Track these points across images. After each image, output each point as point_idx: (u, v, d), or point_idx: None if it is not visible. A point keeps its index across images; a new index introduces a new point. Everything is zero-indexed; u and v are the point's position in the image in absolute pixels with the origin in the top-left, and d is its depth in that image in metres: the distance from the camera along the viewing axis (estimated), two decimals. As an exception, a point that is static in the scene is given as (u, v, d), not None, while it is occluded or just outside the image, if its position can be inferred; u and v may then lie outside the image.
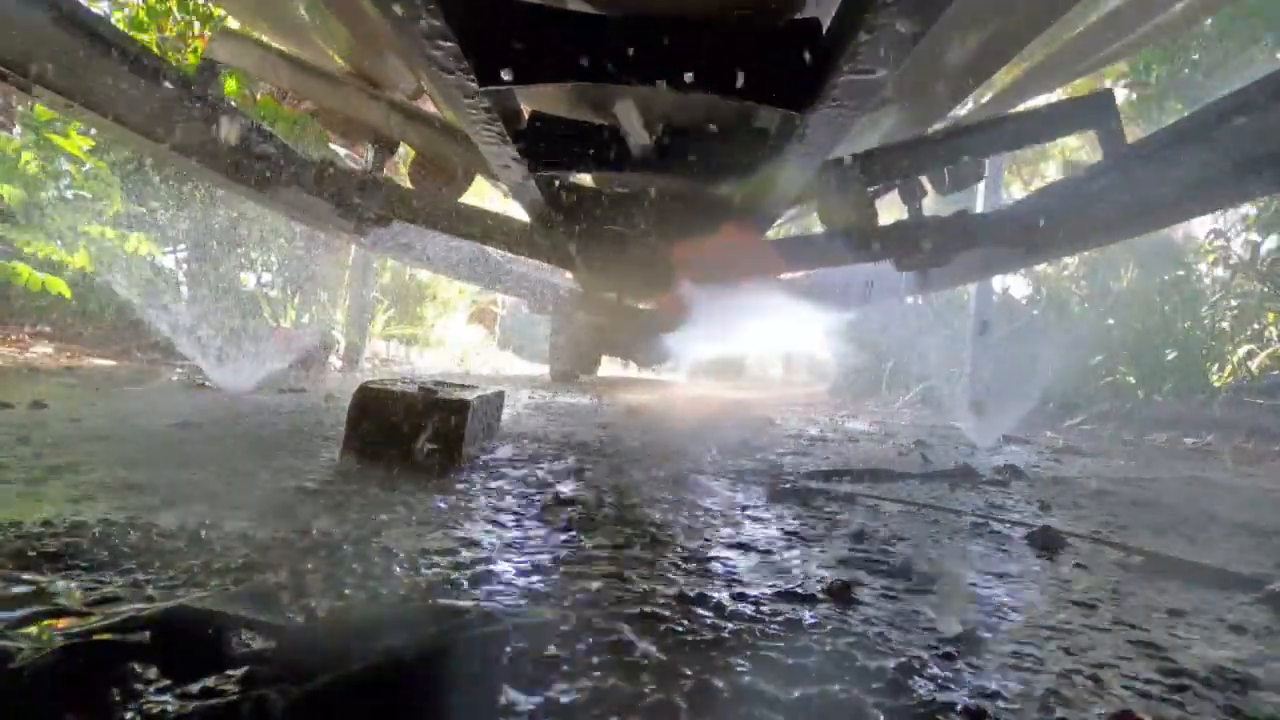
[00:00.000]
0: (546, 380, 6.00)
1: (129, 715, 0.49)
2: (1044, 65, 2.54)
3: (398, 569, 0.87)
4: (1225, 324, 4.70)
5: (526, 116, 1.82)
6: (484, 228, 2.51)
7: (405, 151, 2.79)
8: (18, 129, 3.62)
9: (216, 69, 2.18)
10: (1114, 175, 1.95)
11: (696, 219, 2.43)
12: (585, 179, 2.66)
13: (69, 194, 3.89)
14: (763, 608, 0.84)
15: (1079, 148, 7.29)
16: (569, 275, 5.20)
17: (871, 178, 2.30)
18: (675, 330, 4.37)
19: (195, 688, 0.52)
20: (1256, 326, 4.57)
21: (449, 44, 1.16)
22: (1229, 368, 4.47)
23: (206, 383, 3.33)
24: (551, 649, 0.68)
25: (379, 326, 6.68)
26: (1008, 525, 1.40)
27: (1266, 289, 4.49)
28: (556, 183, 2.36)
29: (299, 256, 5.16)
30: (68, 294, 3.75)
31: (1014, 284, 6.53)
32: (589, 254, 2.54)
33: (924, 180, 2.51)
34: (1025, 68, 2.57)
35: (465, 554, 0.96)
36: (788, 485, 1.58)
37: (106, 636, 0.55)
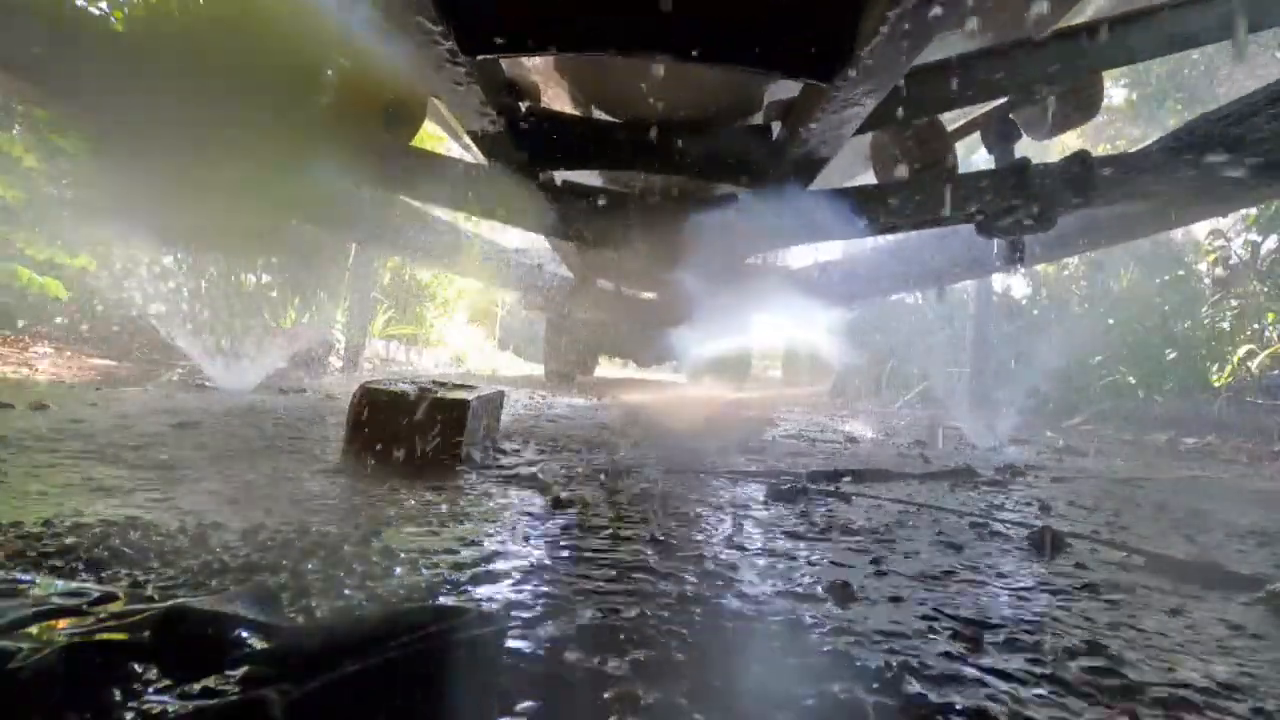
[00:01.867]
0: (546, 381, 5.99)
1: (129, 715, 0.49)
2: None
3: (398, 569, 0.87)
4: (1225, 324, 4.70)
5: None
6: (427, 178, 1.85)
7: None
8: (17, 128, 3.61)
9: None
10: None
11: (718, 160, 1.81)
12: (562, 100, 2.03)
13: (69, 194, 3.88)
14: (763, 606, 0.84)
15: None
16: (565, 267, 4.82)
17: (947, 100, 1.67)
18: (678, 325, 4.04)
19: (195, 688, 0.52)
20: (1256, 326, 4.57)
21: None
22: (1229, 368, 4.47)
23: (206, 383, 3.33)
24: (551, 649, 0.68)
25: (379, 326, 6.67)
26: (1008, 526, 1.40)
27: (1266, 289, 4.49)
28: (524, 106, 1.79)
29: (299, 256, 5.16)
30: (64, 295, 3.75)
31: (1014, 284, 6.54)
32: (566, 212, 1.91)
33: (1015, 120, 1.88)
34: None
35: (465, 554, 0.96)
36: (788, 485, 1.58)
37: (106, 636, 0.55)
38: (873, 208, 1.86)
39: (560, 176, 2.07)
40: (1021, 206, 1.72)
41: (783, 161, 1.75)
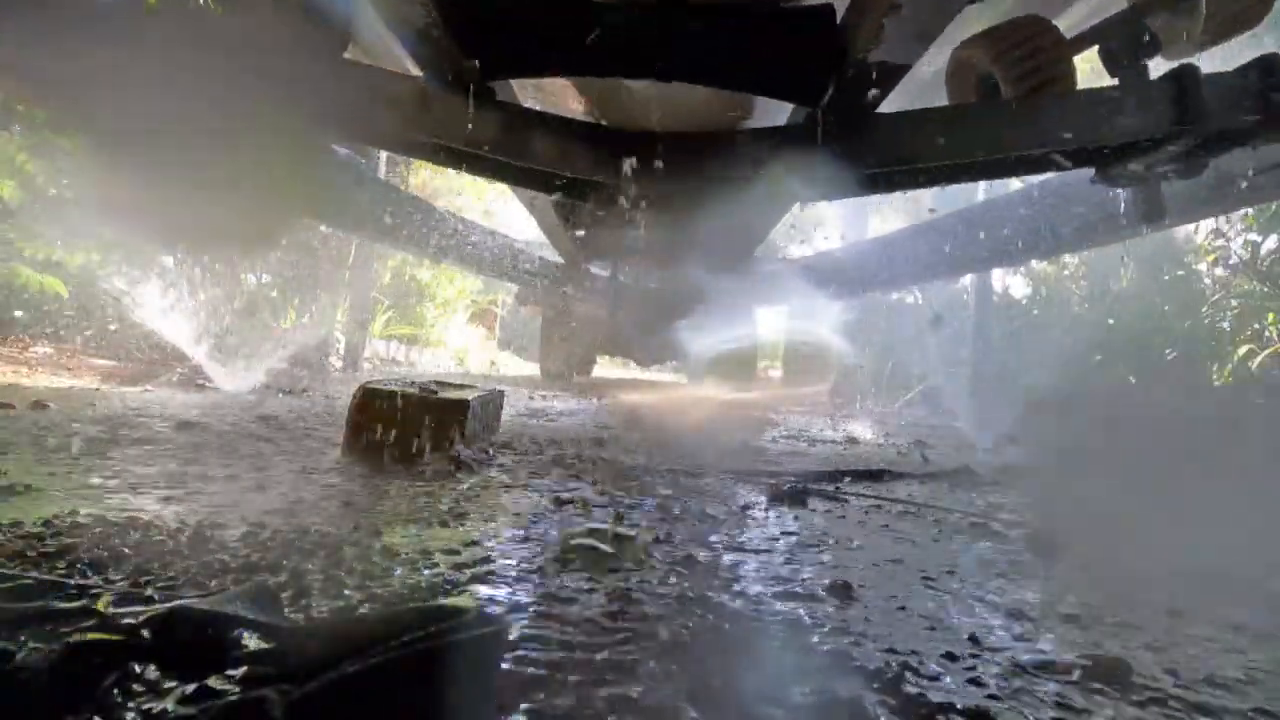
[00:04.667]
0: (543, 381, 5.97)
1: (129, 715, 0.49)
2: None
3: (398, 569, 0.87)
4: (1225, 324, 4.70)
5: None
6: (346, 102, 1.30)
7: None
8: (17, 128, 3.61)
9: None
10: None
11: (749, 61, 1.32)
12: None
13: (69, 193, 3.88)
14: (763, 607, 0.84)
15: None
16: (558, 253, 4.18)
17: None
18: (681, 319, 3.74)
19: (195, 688, 0.52)
20: (1256, 326, 4.57)
21: None
22: (1229, 367, 4.47)
23: (206, 383, 3.33)
24: (552, 649, 0.68)
25: (379, 326, 6.67)
26: (1007, 526, 1.40)
27: (1266, 289, 4.49)
28: None
29: (299, 256, 5.16)
30: (65, 293, 3.75)
31: (1014, 284, 6.54)
32: (530, 147, 1.38)
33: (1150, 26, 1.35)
34: None
35: (465, 554, 0.96)
36: (788, 486, 1.58)
37: (106, 636, 0.55)
38: (968, 138, 1.33)
39: (527, 102, 1.59)
40: (1179, 136, 1.23)
41: (845, 67, 1.24)
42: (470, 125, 1.34)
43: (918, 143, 1.39)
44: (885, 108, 1.42)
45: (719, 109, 1.76)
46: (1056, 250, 2.74)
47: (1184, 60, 1.32)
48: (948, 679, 0.67)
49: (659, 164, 1.42)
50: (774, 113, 1.72)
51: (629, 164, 1.42)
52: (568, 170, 1.45)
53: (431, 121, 1.34)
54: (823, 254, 3.97)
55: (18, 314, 4.13)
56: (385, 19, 1.30)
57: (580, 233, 3.29)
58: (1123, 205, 1.62)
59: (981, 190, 5.07)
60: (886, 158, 1.40)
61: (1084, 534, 1.33)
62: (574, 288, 4.08)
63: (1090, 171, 1.51)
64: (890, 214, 9.56)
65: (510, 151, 1.39)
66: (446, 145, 1.40)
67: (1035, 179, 2.27)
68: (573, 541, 1.01)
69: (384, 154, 4.50)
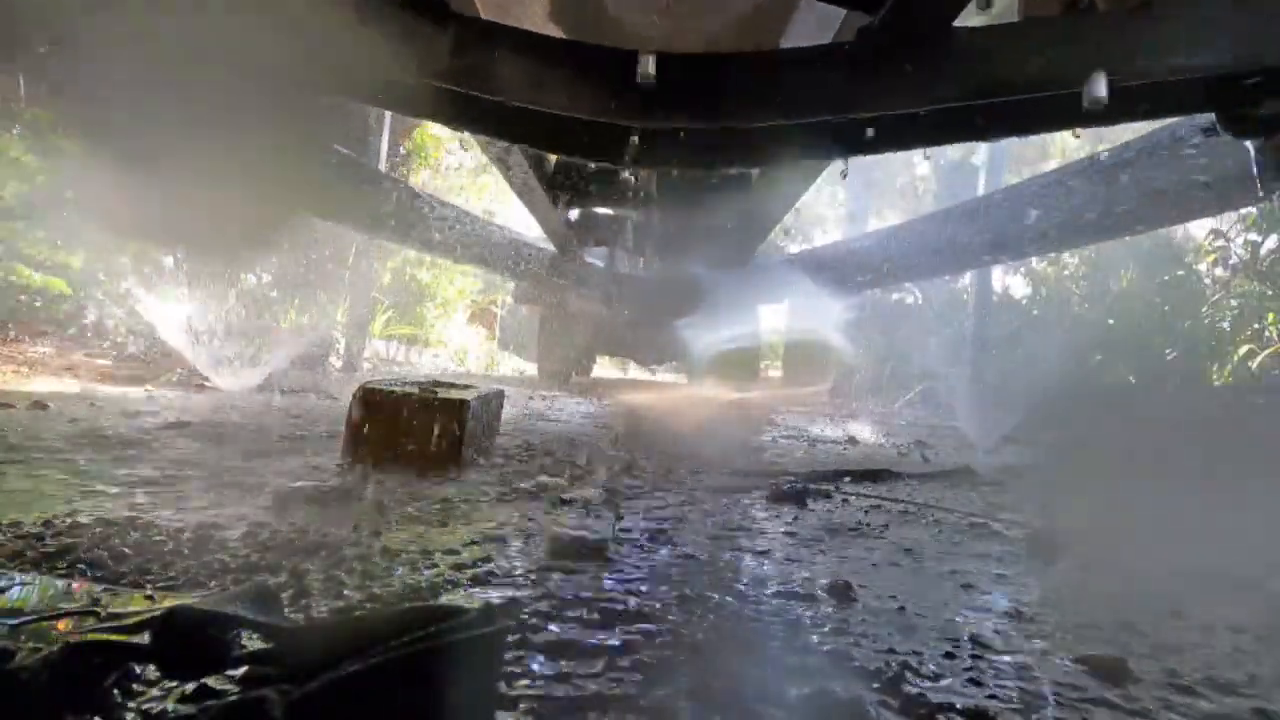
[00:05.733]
0: (541, 382, 5.96)
1: (129, 715, 0.49)
2: None
3: (398, 569, 0.87)
4: (1225, 324, 4.70)
5: None
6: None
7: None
8: (17, 128, 3.61)
9: None
10: None
11: None
12: None
13: (69, 193, 3.88)
14: (763, 607, 0.84)
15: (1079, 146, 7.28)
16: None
17: None
18: (686, 316, 3.59)
19: (195, 688, 0.52)
20: (1256, 326, 4.57)
21: None
22: (1229, 367, 4.47)
23: (206, 383, 3.33)
24: (552, 649, 0.68)
25: (379, 326, 6.67)
26: (1007, 527, 1.40)
27: (1266, 289, 4.49)
28: None
29: (299, 256, 5.16)
30: (68, 292, 3.75)
31: (1014, 284, 6.54)
32: (491, 75, 1.06)
33: None
34: None
35: (465, 554, 0.96)
36: (789, 486, 1.58)
37: (106, 636, 0.55)
38: (1085, 58, 0.99)
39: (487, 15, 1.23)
40: None
41: None
42: (418, 49, 1.03)
43: (1017, 66, 1.00)
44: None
45: (739, 34, 1.36)
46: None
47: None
48: (948, 679, 0.67)
49: (665, 97, 1.04)
50: (812, 34, 1.35)
51: (628, 95, 1.03)
52: (547, 106, 1.09)
53: (367, 48, 1.03)
54: (832, 245, 3.86)
55: (19, 313, 4.13)
56: None
57: (573, 214, 2.81)
58: (1253, 162, 1.26)
59: (982, 186, 5.04)
60: (971, 87, 1.03)
61: (1084, 534, 1.33)
62: (568, 279, 3.67)
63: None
64: (890, 214, 9.55)
65: (472, 83, 1.05)
66: (389, 78, 1.09)
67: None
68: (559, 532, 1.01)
69: (384, 156, 4.49)
